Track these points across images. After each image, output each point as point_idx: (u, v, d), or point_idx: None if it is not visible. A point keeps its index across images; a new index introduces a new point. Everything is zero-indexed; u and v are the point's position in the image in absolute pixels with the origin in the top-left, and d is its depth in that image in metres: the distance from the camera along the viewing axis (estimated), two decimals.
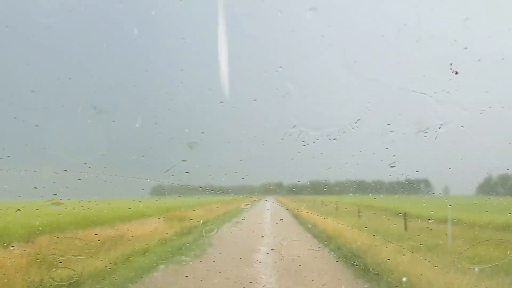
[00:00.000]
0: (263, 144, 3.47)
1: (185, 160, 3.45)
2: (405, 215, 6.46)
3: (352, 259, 5.41)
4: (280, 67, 3.06)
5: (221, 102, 3.28)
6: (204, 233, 5.74)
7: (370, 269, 4.81)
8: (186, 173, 3.49)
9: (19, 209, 3.71)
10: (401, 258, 4.72)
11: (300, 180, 3.80)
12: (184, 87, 3.15)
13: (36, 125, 3.14)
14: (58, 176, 3.41)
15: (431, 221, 4.99)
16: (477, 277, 4.20)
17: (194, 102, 3.36)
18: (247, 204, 4.58)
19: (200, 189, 3.82)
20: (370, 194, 3.87)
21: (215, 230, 5.07)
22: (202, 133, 3.43)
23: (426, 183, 3.98)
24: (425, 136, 3.19)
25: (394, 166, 3.32)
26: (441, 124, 2.91)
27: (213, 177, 3.71)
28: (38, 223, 4.05)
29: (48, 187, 3.52)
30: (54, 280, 4.13)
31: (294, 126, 2.93)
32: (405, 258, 4.64)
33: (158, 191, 4.13)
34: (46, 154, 3.43)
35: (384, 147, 3.15)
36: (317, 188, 3.93)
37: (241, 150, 3.56)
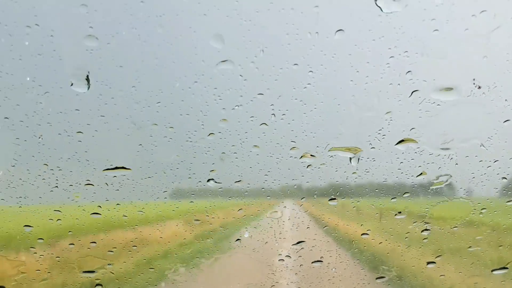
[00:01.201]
0: (283, 148, 3.60)
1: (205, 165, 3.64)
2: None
3: (373, 263, 5.47)
4: (310, 77, 3.19)
5: (236, 106, 3.42)
6: (223, 236, 5.87)
7: (392, 272, 4.89)
8: (207, 177, 3.67)
9: (58, 210, 3.95)
10: (423, 263, 4.77)
11: (319, 183, 3.93)
12: (210, 98, 3.32)
13: (80, 141, 3.36)
14: (92, 181, 3.63)
15: (454, 223, 5.02)
16: (500, 281, 4.26)
17: (210, 109, 3.51)
18: (265, 208, 4.72)
19: (221, 192, 3.94)
20: (391, 198, 3.95)
21: (235, 233, 5.18)
22: (220, 137, 3.57)
23: (449, 186, 4.03)
24: (449, 147, 3.30)
25: (420, 175, 3.44)
26: (465, 137, 3.02)
27: (233, 180, 3.84)
28: (63, 226, 4.24)
29: (81, 192, 3.74)
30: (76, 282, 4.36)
31: (340, 135, 3.08)
32: (426, 262, 4.69)
33: (178, 194, 4.27)
34: (81, 161, 3.63)
35: (410, 158, 3.26)
36: (338, 192, 4.04)
37: (261, 153, 3.69)
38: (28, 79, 3.05)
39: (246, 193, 3.85)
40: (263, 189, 3.88)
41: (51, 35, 2.92)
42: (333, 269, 4.53)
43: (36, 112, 3.23)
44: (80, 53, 2.92)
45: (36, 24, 2.85)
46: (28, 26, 2.87)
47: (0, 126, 3.41)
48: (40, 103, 3.20)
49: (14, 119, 3.31)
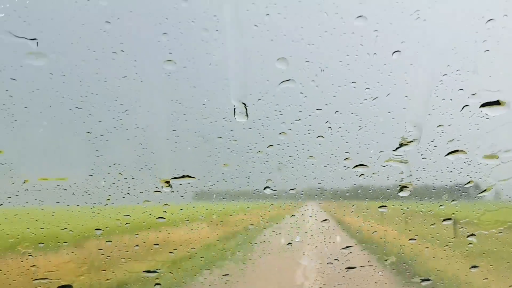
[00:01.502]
0: (337, 159, 3.84)
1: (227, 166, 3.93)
2: (455, 221, 6.52)
3: (399, 266, 5.55)
4: (367, 93, 3.44)
5: (296, 120, 3.69)
6: (246, 239, 6.03)
7: (418, 276, 4.99)
8: (263, 185, 3.95)
9: (127, 214, 4.30)
10: (452, 266, 4.83)
11: (371, 191, 4.13)
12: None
13: (152, 152, 3.71)
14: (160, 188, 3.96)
15: (499, 229, 5.11)
16: None
17: (271, 123, 3.78)
18: (317, 214, 4.90)
19: (276, 198, 4.21)
20: (440, 205, 4.11)
21: (287, 236, 5.36)
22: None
23: (495, 194, 4.13)
24: (496, 157, 3.49)
25: (468, 183, 3.65)
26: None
27: (288, 188, 4.11)
28: (130, 229, 4.59)
29: (150, 198, 4.09)
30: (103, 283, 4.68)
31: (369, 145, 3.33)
32: (455, 266, 4.76)
33: (201, 196, 4.53)
34: (152, 170, 3.98)
35: (459, 167, 3.47)
36: (361, 193, 4.23)
37: (316, 164, 3.93)
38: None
39: (300, 200, 4.13)
40: (316, 196, 4.16)
41: (135, 60, 3.29)
42: (380, 272, 4.74)
43: (116, 127, 3.61)
44: (159, 76, 3.28)
45: (122, 51, 3.23)
46: (114, 52, 3.24)
47: (82, 140, 3.81)
48: (120, 119, 3.58)
49: (95, 133, 3.69)
